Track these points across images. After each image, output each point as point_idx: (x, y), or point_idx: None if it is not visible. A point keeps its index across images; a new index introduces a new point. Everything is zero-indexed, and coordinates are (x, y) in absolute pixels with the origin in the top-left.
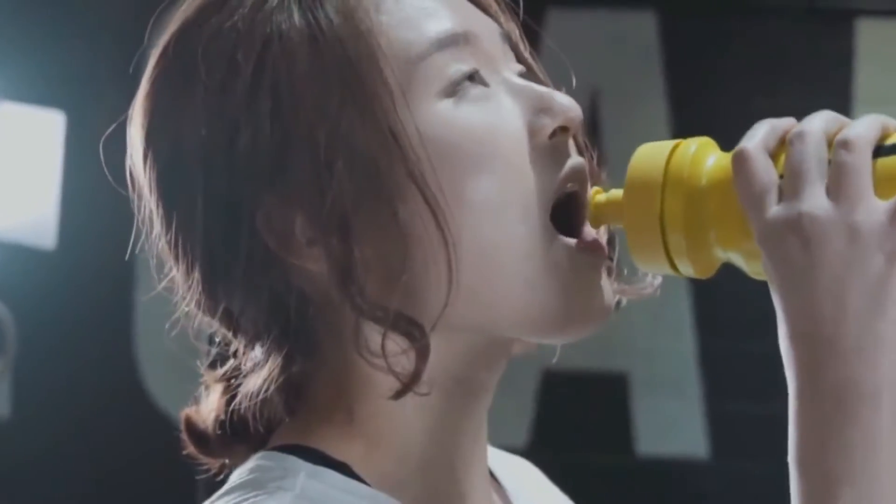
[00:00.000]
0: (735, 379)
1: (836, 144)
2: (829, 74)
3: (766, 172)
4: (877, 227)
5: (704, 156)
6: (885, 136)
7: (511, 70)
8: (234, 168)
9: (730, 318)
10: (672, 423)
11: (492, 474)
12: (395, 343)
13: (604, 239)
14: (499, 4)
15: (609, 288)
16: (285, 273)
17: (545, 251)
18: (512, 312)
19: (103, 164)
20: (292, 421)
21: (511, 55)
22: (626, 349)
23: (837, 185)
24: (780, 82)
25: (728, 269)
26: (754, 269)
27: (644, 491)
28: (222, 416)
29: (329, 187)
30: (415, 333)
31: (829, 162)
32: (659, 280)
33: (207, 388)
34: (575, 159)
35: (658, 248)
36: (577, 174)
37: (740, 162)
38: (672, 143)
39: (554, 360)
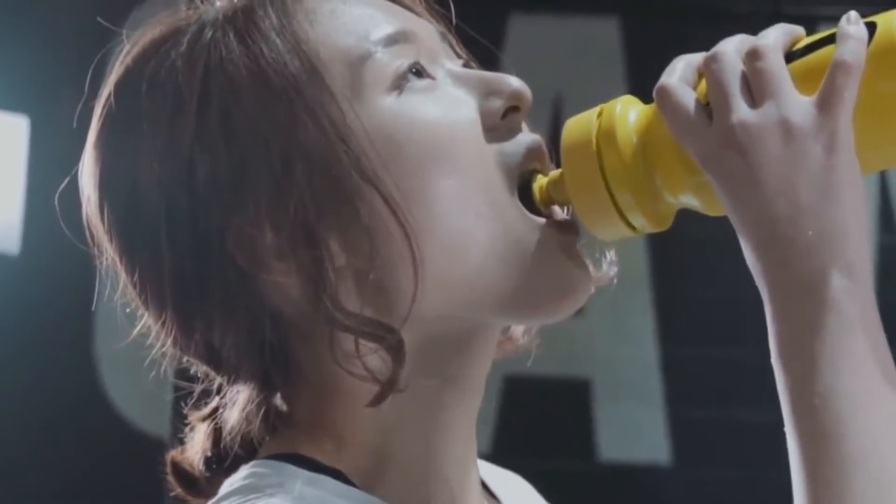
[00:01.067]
0: (697, 385)
1: (745, 57)
2: None
3: (690, 100)
4: (808, 119)
5: (630, 110)
6: (794, 42)
7: (454, 64)
8: (195, 200)
9: (691, 326)
10: (634, 429)
11: (486, 486)
12: (371, 349)
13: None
14: (431, 12)
15: (586, 263)
16: (259, 293)
17: (516, 231)
18: (490, 294)
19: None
20: (277, 436)
21: (451, 52)
22: (589, 356)
23: (759, 89)
24: None
25: (689, 279)
26: (707, 204)
27: (607, 497)
28: (209, 454)
29: (291, 197)
30: (388, 338)
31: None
32: (615, 269)
33: (192, 429)
34: (531, 136)
35: (609, 210)
36: (535, 152)
37: (663, 97)
38: (596, 109)
39: (524, 365)
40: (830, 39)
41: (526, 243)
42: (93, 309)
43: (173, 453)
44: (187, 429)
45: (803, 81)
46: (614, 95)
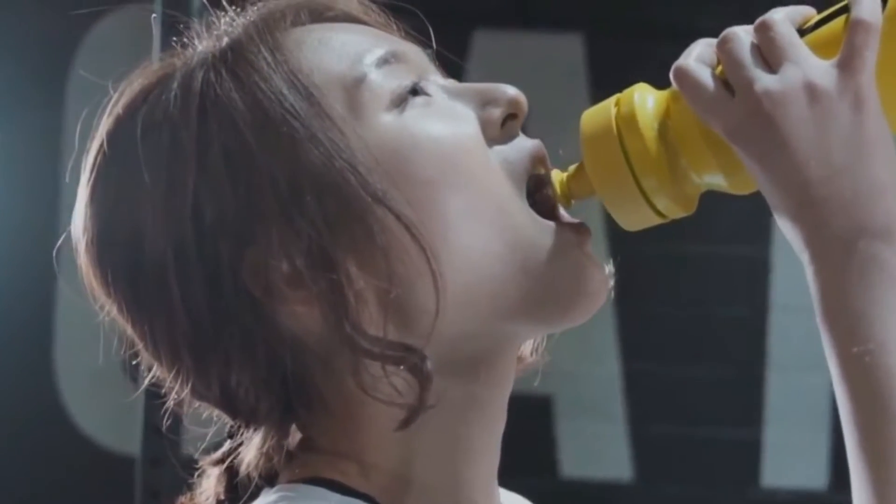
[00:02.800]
0: (658, 402)
1: (755, 30)
2: None
3: (710, 77)
4: (831, 80)
5: (648, 96)
6: (805, 21)
7: (444, 80)
8: (205, 241)
9: (653, 343)
10: (596, 446)
11: None
12: (397, 374)
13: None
14: (408, 37)
15: (601, 262)
16: (278, 325)
17: (531, 236)
18: (512, 302)
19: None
20: (298, 462)
21: (437, 71)
22: (551, 372)
23: (774, 57)
24: None
25: (652, 296)
26: (733, 181)
27: None
28: (221, 497)
29: (303, 225)
30: (413, 359)
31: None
32: (612, 281)
33: (202, 474)
34: (532, 141)
35: (636, 196)
36: (538, 156)
37: (682, 77)
38: (612, 99)
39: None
40: (841, 11)
41: (542, 248)
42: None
43: (182, 499)
44: (196, 475)
45: (820, 50)
46: (578, 111)
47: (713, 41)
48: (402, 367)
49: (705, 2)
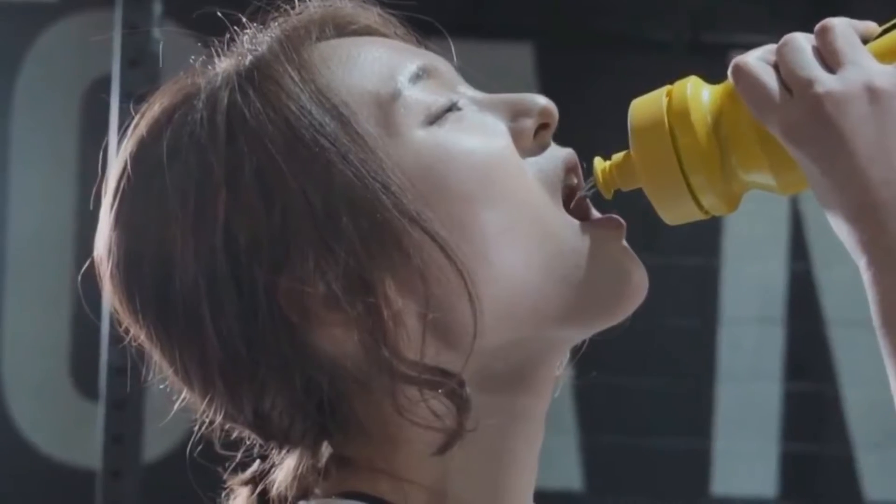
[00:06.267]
0: (609, 413)
1: (816, 34)
2: None
3: (768, 74)
4: (891, 80)
5: (702, 90)
6: (868, 33)
7: (473, 91)
8: (238, 266)
9: (604, 353)
10: (547, 456)
11: None
12: (435, 398)
13: None
14: (431, 49)
15: (636, 256)
16: (314, 349)
17: (570, 243)
18: (555, 310)
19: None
20: (333, 478)
21: (465, 82)
22: None
23: (834, 59)
24: None
25: None
26: (784, 182)
27: None
28: None
29: (339, 247)
30: (452, 386)
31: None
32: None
33: (230, 494)
34: (565, 150)
35: (682, 192)
36: (571, 165)
37: (740, 73)
38: (664, 89)
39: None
40: None
41: (582, 252)
42: None
43: None
44: (224, 494)
45: (882, 58)
46: None
47: (774, 46)
48: (439, 392)
49: (654, 13)
